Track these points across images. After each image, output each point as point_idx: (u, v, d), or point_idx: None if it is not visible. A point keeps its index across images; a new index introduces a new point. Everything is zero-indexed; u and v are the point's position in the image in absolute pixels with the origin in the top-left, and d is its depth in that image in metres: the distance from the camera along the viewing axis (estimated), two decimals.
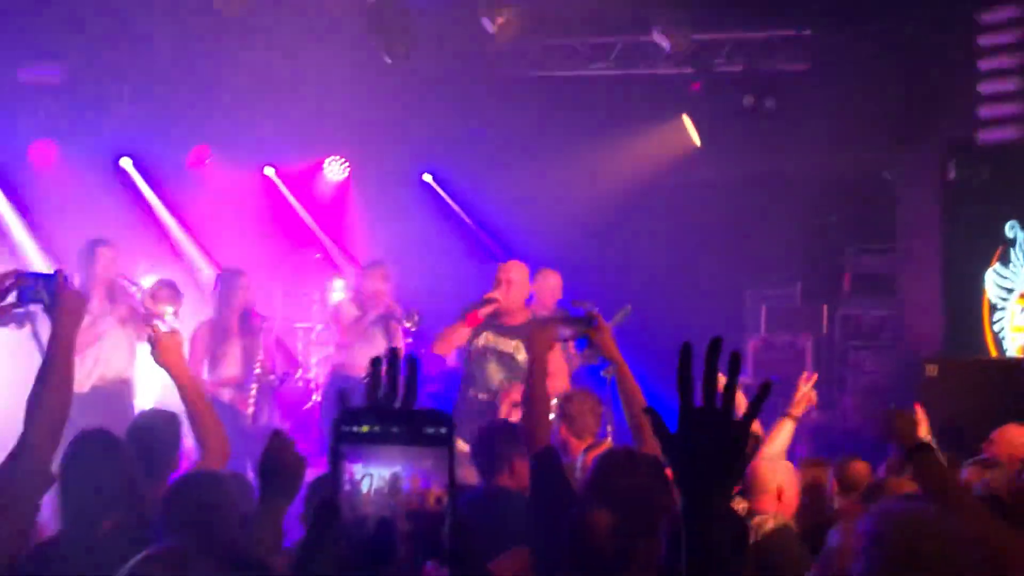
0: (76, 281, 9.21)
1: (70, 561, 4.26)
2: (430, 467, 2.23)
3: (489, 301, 8.55)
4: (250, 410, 9.53)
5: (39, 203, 12.70)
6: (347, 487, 2.20)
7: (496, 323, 8.79)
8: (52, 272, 4.37)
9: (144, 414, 6.36)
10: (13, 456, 3.93)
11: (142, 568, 3.59)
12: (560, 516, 4.21)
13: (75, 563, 4.25)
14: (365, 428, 2.22)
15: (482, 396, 8.63)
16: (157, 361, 4.96)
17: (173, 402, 8.10)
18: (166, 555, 3.81)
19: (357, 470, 2.20)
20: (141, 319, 9.27)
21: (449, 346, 8.71)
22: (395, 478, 2.22)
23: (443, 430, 2.22)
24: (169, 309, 9.29)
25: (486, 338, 8.77)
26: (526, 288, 8.94)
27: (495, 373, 8.73)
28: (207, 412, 4.89)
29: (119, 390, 9.22)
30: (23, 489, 3.89)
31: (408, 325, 9.78)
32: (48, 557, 4.27)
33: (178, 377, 4.87)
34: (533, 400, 5.12)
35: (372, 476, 2.22)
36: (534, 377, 5.19)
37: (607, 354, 5.54)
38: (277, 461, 4.20)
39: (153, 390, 9.59)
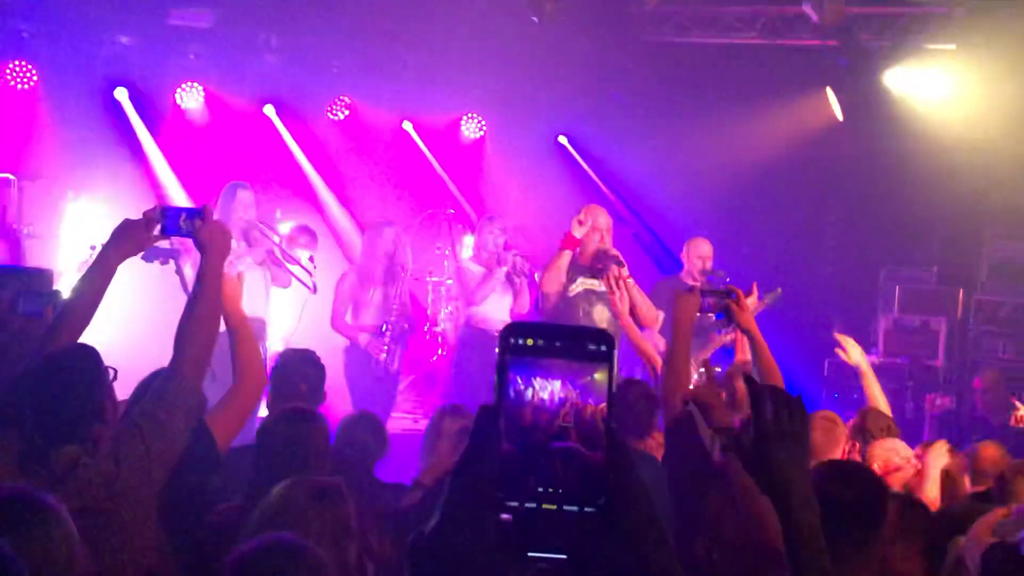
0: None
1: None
2: (590, 382, 2.29)
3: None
4: (383, 356, 9.72)
5: (185, 144, 12.96)
6: (511, 395, 2.26)
7: (583, 267, 8.87)
8: (198, 207, 4.48)
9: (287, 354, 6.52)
10: (167, 377, 4.05)
11: (292, 492, 3.72)
12: (695, 484, 4.24)
13: None
14: (530, 341, 2.29)
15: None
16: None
17: (304, 341, 8.32)
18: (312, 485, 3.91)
19: (520, 380, 2.26)
20: (277, 262, 9.48)
21: (559, 276, 8.77)
22: (556, 390, 2.28)
23: (604, 347, 2.31)
24: (305, 254, 9.51)
25: (583, 283, 8.88)
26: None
27: (601, 313, 8.77)
28: (253, 349, 4.98)
29: (254, 329, 9.37)
30: (176, 408, 3.99)
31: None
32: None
33: (232, 313, 4.93)
34: (674, 366, 5.15)
35: (534, 387, 2.28)
36: (676, 343, 5.25)
37: (745, 328, 5.53)
38: None
39: (285, 328, 9.78)
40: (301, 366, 5.99)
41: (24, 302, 5.08)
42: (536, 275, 9.49)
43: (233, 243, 9.19)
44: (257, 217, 9.67)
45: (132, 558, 3.75)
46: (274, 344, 10.13)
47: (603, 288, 8.74)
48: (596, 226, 8.90)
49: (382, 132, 13.99)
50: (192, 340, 4.15)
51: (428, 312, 12.75)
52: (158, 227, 4.48)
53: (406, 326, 9.97)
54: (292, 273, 9.64)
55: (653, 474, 5.16)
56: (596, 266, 8.82)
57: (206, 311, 4.25)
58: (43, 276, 5.91)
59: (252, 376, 4.88)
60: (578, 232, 8.78)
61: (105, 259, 4.54)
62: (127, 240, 4.52)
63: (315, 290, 9.70)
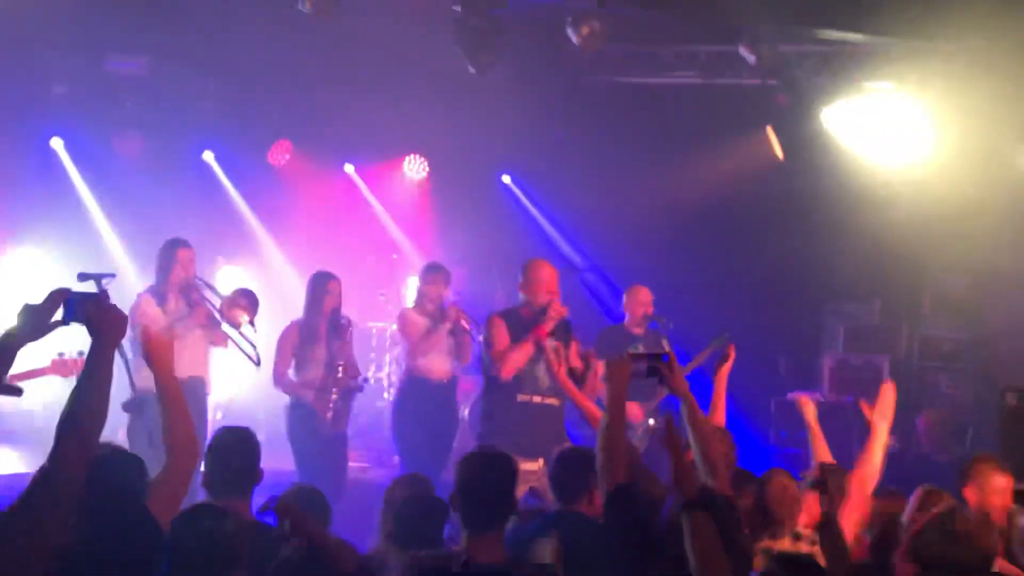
0: (154, 279, 9.37)
1: None
2: None
3: (548, 315, 8.46)
4: (329, 415, 9.57)
5: (124, 194, 12.85)
6: None
7: (529, 321, 8.73)
8: (95, 292, 4.39)
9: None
10: (44, 472, 3.92)
11: None
12: (639, 554, 4.21)
13: None
14: None
15: (536, 399, 8.53)
16: (146, 359, 4.99)
17: (246, 403, 8.21)
18: None
19: None
20: (217, 324, 9.37)
21: (518, 366, 8.56)
22: None
23: None
24: (245, 318, 9.36)
25: None
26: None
27: (545, 374, 8.64)
28: (183, 416, 4.87)
29: (194, 390, 9.24)
30: (54, 505, 3.88)
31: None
32: None
33: (163, 377, 4.89)
34: (612, 436, 5.10)
35: None
36: (612, 412, 5.20)
37: (677, 392, 5.48)
38: None
39: (227, 392, 9.65)
40: (237, 447, 5.86)
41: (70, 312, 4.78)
42: (482, 334, 9.36)
43: (172, 302, 9.23)
44: (196, 274, 9.56)
45: None
46: (218, 397, 10.01)
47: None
48: (550, 288, 8.72)
49: (324, 176, 13.92)
50: (77, 431, 3.96)
51: (372, 357, 12.67)
52: (61, 311, 4.37)
53: (353, 383, 9.79)
54: (231, 337, 9.50)
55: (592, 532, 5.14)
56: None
57: (95, 399, 4.13)
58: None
59: (182, 450, 4.78)
60: (549, 328, 8.57)
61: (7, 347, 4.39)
62: (29, 326, 4.37)
63: (259, 363, 9.50)
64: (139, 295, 9.39)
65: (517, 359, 8.44)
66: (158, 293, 9.35)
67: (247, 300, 9.41)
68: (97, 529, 4.08)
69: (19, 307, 4.25)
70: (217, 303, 9.37)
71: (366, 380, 9.90)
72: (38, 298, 4.25)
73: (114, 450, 4.74)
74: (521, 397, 8.52)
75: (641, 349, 9.32)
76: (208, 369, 9.62)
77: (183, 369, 9.21)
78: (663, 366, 5.42)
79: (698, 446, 5.28)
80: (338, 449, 9.78)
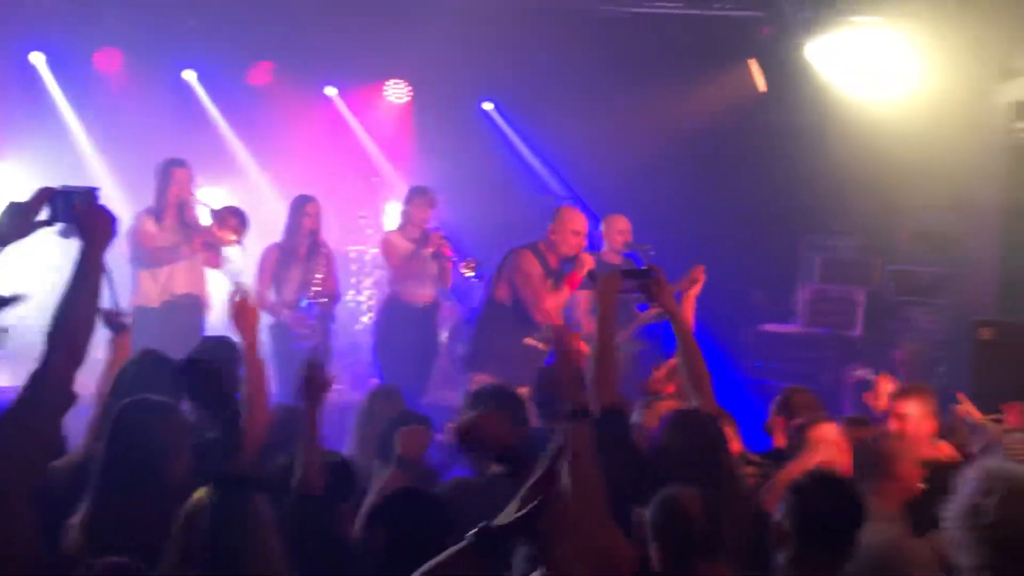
0: (152, 199, 9.44)
1: None
2: None
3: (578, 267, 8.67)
4: (303, 331, 9.66)
5: (104, 111, 12.77)
6: None
7: (554, 272, 8.87)
8: (84, 188, 4.27)
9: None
10: (35, 376, 3.91)
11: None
12: (624, 476, 4.24)
13: None
14: None
15: (541, 347, 8.66)
16: (233, 324, 4.95)
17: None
18: None
19: None
20: (213, 246, 9.49)
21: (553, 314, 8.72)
22: None
23: None
24: (233, 237, 9.46)
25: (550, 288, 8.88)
26: None
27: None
28: (258, 381, 4.81)
29: (189, 310, 9.54)
30: (45, 409, 3.90)
31: (465, 272, 9.85)
32: None
33: (247, 346, 4.85)
34: (603, 353, 5.08)
35: None
36: (604, 329, 5.17)
37: (665, 307, 5.54)
38: None
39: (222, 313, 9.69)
40: (215, 351, 5.93)
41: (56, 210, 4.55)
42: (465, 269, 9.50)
43: (168, 222, 9.25)
44: (191, 194, 9.66)
45: None
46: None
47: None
48: (581, 239, 8.90)
49: (305, 98, 13.83)
50: (66, 334, 3.91)
51: (352, 281, 12.68)
52: (46, 211, 4.23)
53: (324, 300, 9.87)
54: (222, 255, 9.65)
55: None
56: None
57: (84, 304, 4.05)
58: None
59: (256, 413, 4.71)
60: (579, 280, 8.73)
61: None
62: (12, 226, 4.24)
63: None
64: (136, 213, 9.53)
65: (553, 306, 8.70)
66: (155, 212, 9.46)
67: (238, 220, 9.56)
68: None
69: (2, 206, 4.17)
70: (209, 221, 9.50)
71: (336, 301, 9.99)
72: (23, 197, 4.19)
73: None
74: (528, 340, 8.72)
75: None
76: (205, 288, 9.74)
77: (180, 287, 9.44)
78: (652, 282, 5.47)
79: (685, 361, 5.36)
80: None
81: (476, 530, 3.29)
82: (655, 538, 3.95)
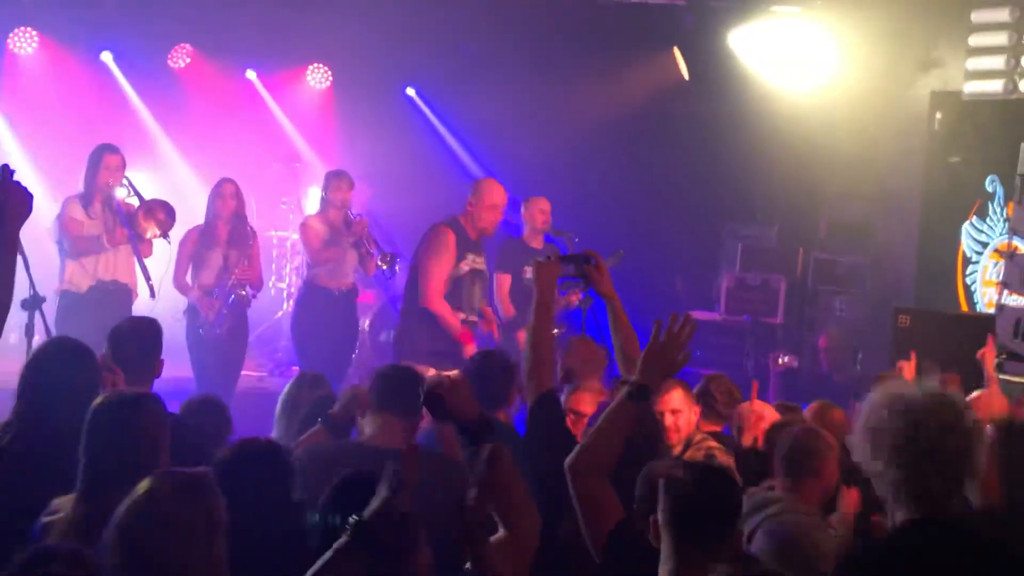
0: (80, 185, 9.27)
1: None
2: None
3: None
4: (212, 316, 9.53)
5: (20, 91, 12.56)
6: None
7: (472, 242, 8.89)
8: None
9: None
10: None
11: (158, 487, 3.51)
12: (560, 458, 4.19)
13: None
14: None
15: (471, 318, 8.84)
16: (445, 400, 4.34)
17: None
18: None
19: None
20: (138, 237, 9.37)
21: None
22: None
23: None
24: (156, 231, 9.36)
25: (473, 261, 8.89)
26: None
27: (478, 294, 8.86)
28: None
29: (118, 295, 9.38)
30: None
31: (380, 264, 9.81)
32: None
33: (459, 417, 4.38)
34: (538, 341, 5.05)
35: None
36: (541, 315, 5.12)
37: (603, 292, 5.50)
38: None
39: (146, 301, 9.57)
40: (134, 331, 5.86)
41: None
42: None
43: (96, 207, 9.09)
44: (120, 181, 9.49)
45: None
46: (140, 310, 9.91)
47: (483, 267, 9.04)
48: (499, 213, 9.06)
49: (226, 82, 13.67)
50: None
51: (273, 267, 12.56)
52: None
53: (244, 292, 9.72)
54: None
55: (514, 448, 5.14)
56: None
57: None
58: None
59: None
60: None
61: None
62: None
63: (154, 295, 9.46)
64: (66, 198, 9.39)
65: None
66: (83, 197, 9.31)
67: (165, 213, 9.43)
68: None
69: None
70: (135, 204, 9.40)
71: (255, 293, 9.85)
72: None
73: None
74: (461, 315, 8.80)
75: None
76: (134, 273, 9.57)
77: (108, 272, 9.30)
78: (591, 268, 5.44)
79: (621, 346, 5.34)
80: (226, 353, 9.73)
81: (350, 526, 3.28)
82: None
